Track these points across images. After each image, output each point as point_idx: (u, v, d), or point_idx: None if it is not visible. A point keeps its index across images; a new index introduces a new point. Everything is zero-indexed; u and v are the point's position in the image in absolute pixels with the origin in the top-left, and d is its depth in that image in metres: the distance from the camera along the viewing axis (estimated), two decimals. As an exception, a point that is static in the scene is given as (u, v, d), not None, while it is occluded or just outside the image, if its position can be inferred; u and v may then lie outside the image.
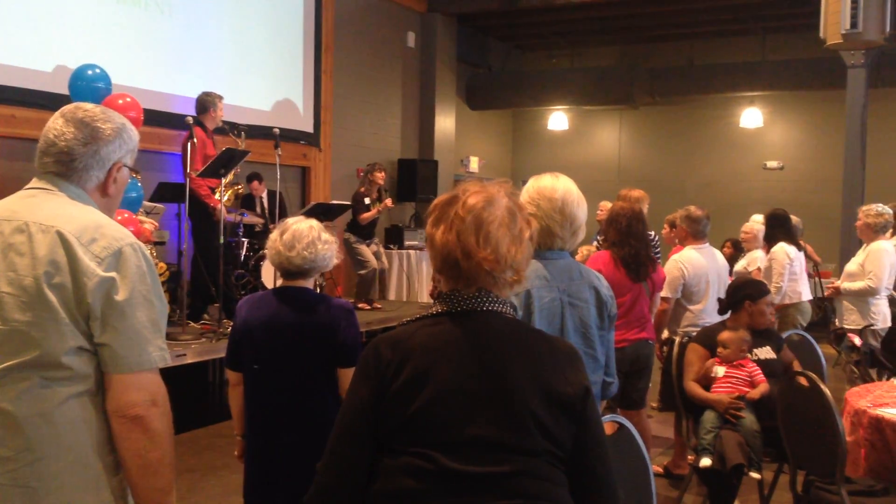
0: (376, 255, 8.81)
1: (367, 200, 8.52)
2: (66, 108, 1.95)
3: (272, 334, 2.84)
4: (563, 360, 1.73)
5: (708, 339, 4.36)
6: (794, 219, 7.40)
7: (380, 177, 8.62)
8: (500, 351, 1.70)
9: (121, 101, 5.66)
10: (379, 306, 8.99)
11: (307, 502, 1.70)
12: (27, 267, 1.76)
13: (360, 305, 8.94)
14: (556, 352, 1.75)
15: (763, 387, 4.15)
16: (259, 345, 2.85)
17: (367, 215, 8.45)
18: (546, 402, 1.66)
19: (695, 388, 4.27)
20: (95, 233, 1.80)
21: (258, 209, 8.28)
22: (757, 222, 7.68)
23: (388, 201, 8.60)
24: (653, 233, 5.42)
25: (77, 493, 1.76)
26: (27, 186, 1.92)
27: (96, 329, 1.77)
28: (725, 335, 4.29)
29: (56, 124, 1.90)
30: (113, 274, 1.77)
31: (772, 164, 13.24)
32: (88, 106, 1.96)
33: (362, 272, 8.63)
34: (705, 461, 4.00)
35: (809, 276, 7.45)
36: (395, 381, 1.65)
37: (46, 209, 1.83)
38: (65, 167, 1.89)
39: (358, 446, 1.67)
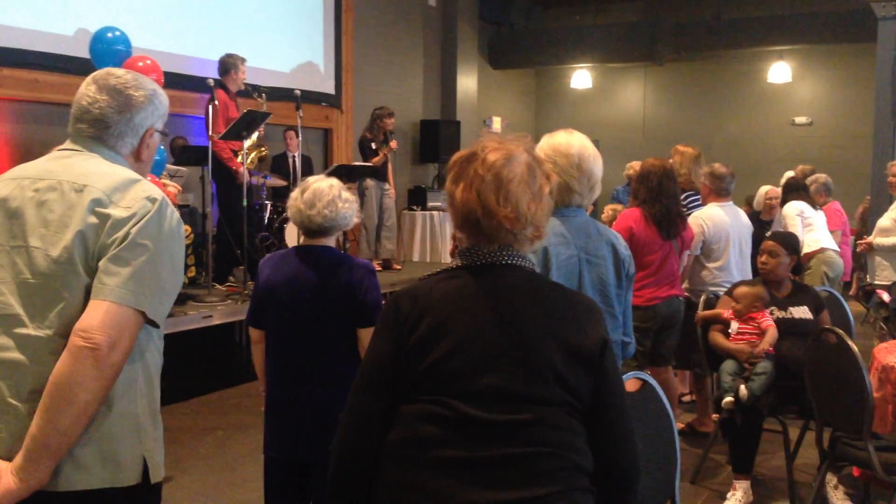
0: (384, 207, 8.77)
1: (373, 145, 8.49)
2: (98, 73, 1.96)
3: (295, 292, 2.85)
4: (582, 312, 1.74)
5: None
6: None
7: (388, 122, 8.54)
8: (519, 303, 1.71)
9: (141, 64, 5.65)
10: (398, 267, 8.98)
11: (332, 450, 1.74)
12: (57, 223, 1.78)
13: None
14: (575, 305, 1.76)
15: (770, 332, 4.17)
16: (282, 303, 2.87)
17: (376, 160, 8.40)
18: (564, 353, 1.67)
19: (717, 338, 4.35)
20: (127, 189, 1.82)
21: (290, 166, 8.24)
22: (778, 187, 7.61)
23: (393, 143, 8.55)
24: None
25: (117, 443, 1.78)
26: (61, 147, 1.94)
27: (101, 262, 1.74)
28: (740, 290, 4.32)
29: (89, 91, 1.92)
30: (138, 221, 1.78)
31: (800, 119, 13.03)
32: (119, 72, 1.97)
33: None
34: (729, 399, 4.04)
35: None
36: (413, 333, 1.67)
37: (80, 168, 1.85)
38: (100, 132, 1.91)
39: (378, 398, 1.69)
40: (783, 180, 7.67)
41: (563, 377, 1.66)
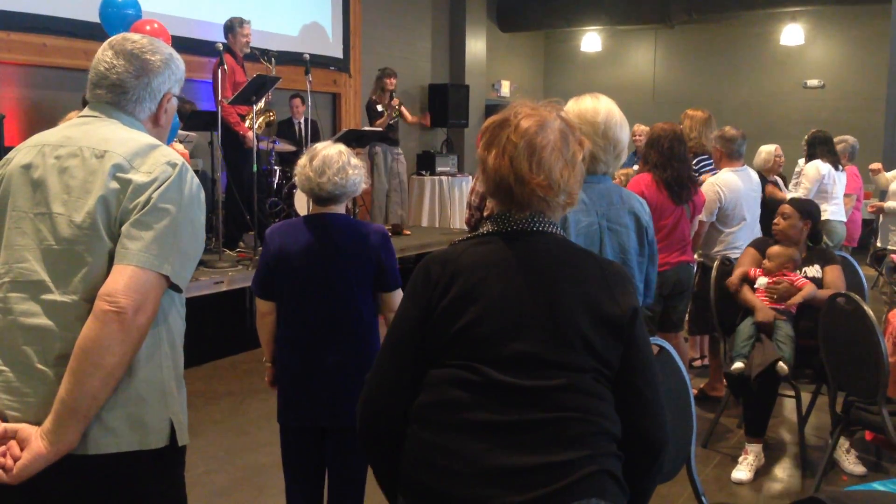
0: (394, 172, 8.75)
1: (379, 108, 8.47)
2: (114, 39, 1.97)
3: (310, 260, 2.83)
4: (613, 280, 1.73)
5: (765, 245, 4.43)
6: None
7: (390, 83, 8.52)
8: (550, 270, 1.70)
9: (148, 28, 5.60)
10: (408, 232, 8.96)
11: (357, 411, 1.75)
12: (79, 189, 1.79)
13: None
14: (606, 272, 1.75)
15: (808, 288, 4.16)
16: (296, 272, 2.84)
17: (380, 121, 8.39)
18: (594, 321, 1.67)
19: (742, 290, 4.33)
20: (147, 154, 1.82)
21: (296, 132, 8.20)
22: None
23: (395, 101, 8.55)
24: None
25: (145, 406, 1.79)
26: (81, 114, 1.95)
27: (123, 227, 1.75)
28: (774, 249, 4.33)
29: (105, 56, 1.92)
30: (159, 186, 1.78)
31: (812, 82, 12.88)
32: (136, 37, 1.97)
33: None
34: (738, 364, 4.05)
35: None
36: (443, 298, 1.67)
37: (100, 134, 1.85)
38: (118, 98, 1.92)
39: (405, 362, 1.70)
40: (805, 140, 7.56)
41: (592, 344, 1.66)
